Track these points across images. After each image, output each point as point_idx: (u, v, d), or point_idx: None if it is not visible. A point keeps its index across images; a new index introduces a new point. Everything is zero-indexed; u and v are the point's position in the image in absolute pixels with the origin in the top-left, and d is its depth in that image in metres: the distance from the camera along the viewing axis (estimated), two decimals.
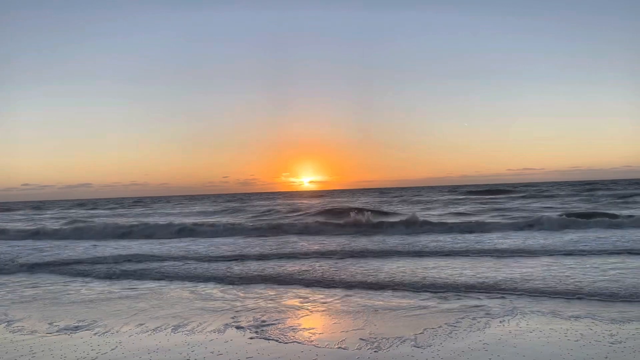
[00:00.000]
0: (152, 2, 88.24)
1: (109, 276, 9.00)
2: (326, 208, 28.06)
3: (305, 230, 16.68)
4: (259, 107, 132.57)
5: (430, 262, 9.30)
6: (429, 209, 29.90)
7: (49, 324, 5.55)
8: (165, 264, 10.25)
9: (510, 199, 38.55)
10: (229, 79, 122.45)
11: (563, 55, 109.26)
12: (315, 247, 12.26)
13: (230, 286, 7.66)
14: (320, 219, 21.41)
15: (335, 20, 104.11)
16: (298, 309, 5.92)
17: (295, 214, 26.45)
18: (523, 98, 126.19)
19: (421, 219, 17.63)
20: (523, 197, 40.24)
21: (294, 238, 14.81)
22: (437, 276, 7.77)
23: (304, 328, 5.05)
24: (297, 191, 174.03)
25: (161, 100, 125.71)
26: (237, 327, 5.15)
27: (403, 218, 18.19)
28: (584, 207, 24.99)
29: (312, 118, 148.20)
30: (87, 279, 8.77)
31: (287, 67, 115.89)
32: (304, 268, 9.10)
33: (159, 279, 8.53)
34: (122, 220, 25.62)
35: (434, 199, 43.64)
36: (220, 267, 9.53)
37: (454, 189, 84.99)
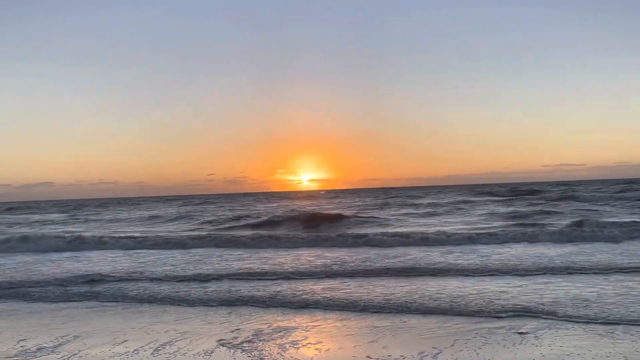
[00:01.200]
0: None
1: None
2: (289, 214, 23.54)
3: (226, 244, 14.56)
4: (251, 93, 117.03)
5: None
6: (431, 215, 25.41)
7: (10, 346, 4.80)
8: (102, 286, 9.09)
9: (538, 200, 31.83)
10: (218, 63, 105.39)
11: (606, 28, 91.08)
12: (219, 267, 10.18)
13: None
14: (264, 228, 19.79)
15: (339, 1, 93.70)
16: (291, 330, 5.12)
17: (239, 222, 23.10)
18: (560, 81, 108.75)
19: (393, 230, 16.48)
20: (559, 198, 33.10)
21: (200, 252, 13.08)
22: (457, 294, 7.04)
23: (298, 347, 4.34)
24: (291, 191, 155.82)
25: (136, 85, 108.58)
26: (225, 346, 4.50)
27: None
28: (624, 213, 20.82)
29: (312, 107, 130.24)
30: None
31: (283, 46, 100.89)
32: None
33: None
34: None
35: (444, 201, 37.55)
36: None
37: (472, 188, 73.94)
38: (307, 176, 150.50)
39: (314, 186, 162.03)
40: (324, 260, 10.61)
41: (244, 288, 7.97)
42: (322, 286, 7.91)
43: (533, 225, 15.85)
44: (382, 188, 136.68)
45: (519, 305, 6.11)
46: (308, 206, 37.63)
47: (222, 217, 26.70)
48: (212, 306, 6.89)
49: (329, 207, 34.97)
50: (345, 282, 8.22)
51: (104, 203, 70.26)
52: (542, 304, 6.11)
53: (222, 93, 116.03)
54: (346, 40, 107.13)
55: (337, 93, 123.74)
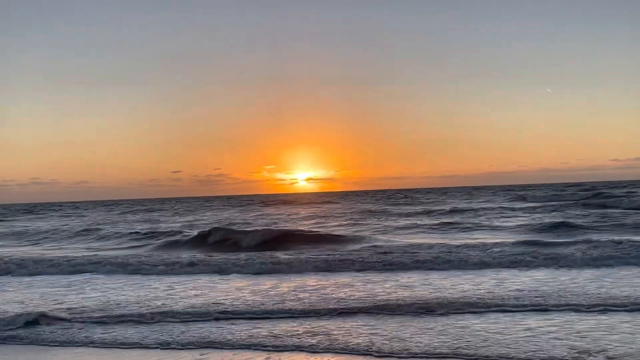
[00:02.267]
0: None
1: None
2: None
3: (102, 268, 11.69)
4: (231, 80, 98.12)
5: None
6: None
7: None
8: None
9: (611, 208, 25.42)
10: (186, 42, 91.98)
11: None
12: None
13: None
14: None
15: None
16: None
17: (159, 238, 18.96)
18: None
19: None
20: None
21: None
22: None
23: None
24: (282, 193, 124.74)
25: (77, 60, 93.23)
26: None
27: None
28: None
29: (308, 91, 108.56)
30: None
31: (273, 28, 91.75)
32: None
33: None
34: None
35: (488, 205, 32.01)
36: None
37: (522, 188, 66.06)
38: (303, 174, 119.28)
39: (311, 187, 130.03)
40: None
41: None
42: None
43: None
44: (401, 189, 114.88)
45: None
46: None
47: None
48: None
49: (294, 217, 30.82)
50: None
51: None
52: None
53: (197, 84, 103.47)
54: (349, 21, 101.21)
55: (339, 71, 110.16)
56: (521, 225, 19.24)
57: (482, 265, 10.28)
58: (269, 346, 5.46)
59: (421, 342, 5.35)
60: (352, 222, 25.57)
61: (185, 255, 13.77)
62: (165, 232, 21.51)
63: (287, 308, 7.25)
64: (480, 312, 6.56)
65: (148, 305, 7.63)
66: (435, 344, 5.26)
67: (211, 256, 12.98)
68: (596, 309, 6.44)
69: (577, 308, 6.50)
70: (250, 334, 5.94)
